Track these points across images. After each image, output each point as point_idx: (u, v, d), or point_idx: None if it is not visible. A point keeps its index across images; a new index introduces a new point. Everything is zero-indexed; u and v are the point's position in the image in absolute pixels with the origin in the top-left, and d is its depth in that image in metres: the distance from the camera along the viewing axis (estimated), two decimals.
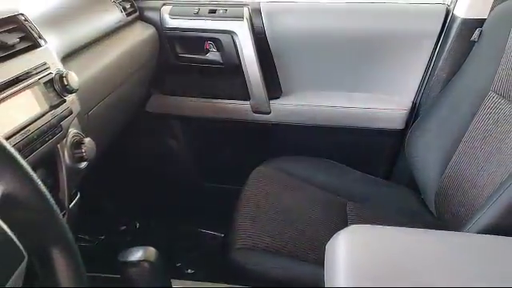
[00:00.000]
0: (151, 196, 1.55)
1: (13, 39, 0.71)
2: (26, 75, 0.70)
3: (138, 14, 1.34)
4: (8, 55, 0.69)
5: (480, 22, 1.13)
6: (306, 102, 1.42)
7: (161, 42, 1.40)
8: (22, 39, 0.74)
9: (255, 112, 1.45)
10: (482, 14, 1.14)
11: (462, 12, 1.19)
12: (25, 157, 0.66)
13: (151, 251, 0.68)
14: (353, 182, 1.27)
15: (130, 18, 1.27)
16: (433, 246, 0.70)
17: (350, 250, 0.67)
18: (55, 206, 0.43)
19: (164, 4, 1.39)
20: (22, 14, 0.77)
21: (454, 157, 1.04)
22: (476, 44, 1.12)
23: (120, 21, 1.20)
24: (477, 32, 1.13)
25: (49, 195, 0.42)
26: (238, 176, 1.26)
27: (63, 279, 0.43)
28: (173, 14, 1.37)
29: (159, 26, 1.38)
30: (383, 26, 1.32)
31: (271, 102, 1.43)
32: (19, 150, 0.63)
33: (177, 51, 1.43)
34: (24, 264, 0.38)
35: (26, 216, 0.40)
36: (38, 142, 0.68)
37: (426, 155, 1.15)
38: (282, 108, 1.43)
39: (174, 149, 1.57)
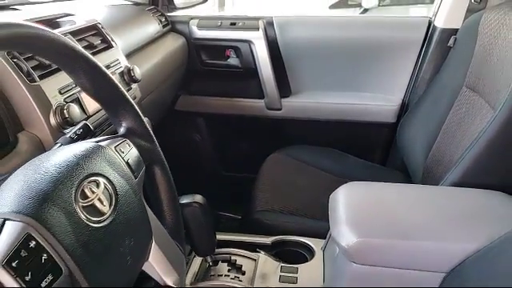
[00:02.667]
0: (177, 183, 1.74)
1: (96, 41, 0.95)
2: (107, 68, 0.92)
3: (170, 26, 1.56)
4: (93, 53, 0.93)
5: (455, 31, 1.31)
6: (312, 100, 1.59)
7: (189, 50, 1.60)
8: (101, 41, 0.97)
9: (268, 109, 1.62)
10: (456, 24, 1.32)
11: (440, 23, 1.37)
12: (108, 126, 0.88)
13: (199, 197, 0.89)
14: (353, 167, 1.43)
15: (164, 29, 1.49)
16: (410, 193, 0.92)
17: (348, 196, 0.88)
18: (156, 140, 0.65)
19: (192, 18, 1.59)
20: (99, 23, 1.00)
21: (435, 143, 1.19)
22: (452, 49, 1.30)
23: (158, 31, 1.43)
24: (452, 39, 1.31)
25: (152, 132, 0.65)
26: (253, 165, 1.43)
27: (162, 190, 0.66)
28: (199, 26, 1.57)
29: (188, 37, 1.58)
30: (377, 36, 1.50)
31: (282, 100, 1.60)
32: (106, 121, 0.86)
33: (202, 58, 1.63)
34: (143, 170, 0.61)
35: (140, 142, 0.63)
36: None
37: (413, 143, 1.30)
38: (292, 105, 1.60)
39: (198, 142, 1.76)
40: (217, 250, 0.96)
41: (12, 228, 0.39)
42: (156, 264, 0.58)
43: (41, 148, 0.70)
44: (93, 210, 0.47)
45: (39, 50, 0.52)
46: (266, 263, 0.96)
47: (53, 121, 0.71)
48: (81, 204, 0.46)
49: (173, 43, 1.51)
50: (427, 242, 0.76)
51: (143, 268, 0.57)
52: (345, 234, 0.78)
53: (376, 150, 1.64)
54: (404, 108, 1.53)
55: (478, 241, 0.72)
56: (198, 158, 1.79)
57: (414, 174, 1.29)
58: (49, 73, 0.75)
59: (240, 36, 1.55)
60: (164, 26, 1.50)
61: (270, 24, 1.55)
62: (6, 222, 0.40)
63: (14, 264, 0.37)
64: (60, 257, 0.41)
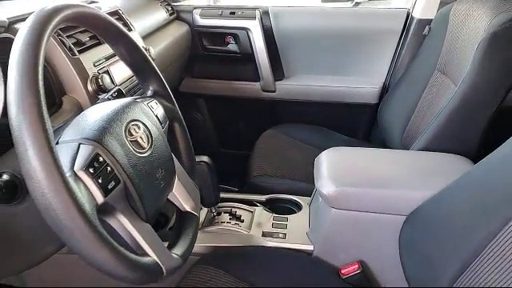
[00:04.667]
0: None
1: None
2: None
3: (175, 15, 1.71)
4: None
5: (429, 21, 1.44)
6: (303, 83, 1.73)
7: (192, 37, 1.74)
8: (122, 25, 1.13)
9: (264, 91, 1.77)
10: (431, 15, 1.46)
11: (417, 14, 1.52)
12: (134, 93, 1.04)
13: (206, 157, 1.05)
14: (339, 143, 1.55)
15: (171, 17, 1.64)
16: (382, 154, 1.09)
17: (330, 157, 1.05)
18: (176, 103, 0.82)
19: (195, 7, 1.74)
20: (120, 9, 1.16)
21: (410, 120, 1.32)
22: (426, 37, 1.43)
23: (165, 19, 1.58)
24: (427, 28, 1.45)
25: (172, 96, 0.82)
26: (249, 143, 1.57)
27: (181, 142, 0.82)
28: (202, 15, 1.72)
29: (191, 25, 1.73)
30: (362, 25, 1.65)
31: (276, 82, 1.74)
32: (130, 89, 1.02)
33: (204, 44, 1.77)
34: (167, 125, 0.78)
35: (164, 102, 0.79)
36: (138, 87, 1.06)
37: (392, 121, 1.43)
38: (285, 87, 1.75)
39: (199, 120, 1.91)
40: (219, 204, 1.12)
41: (86, 148, 0.56)
42: (178, 194, 0.75)
43: (80, 109, 0.86)
44: (136, 144, 0.64)
45: (94, 27, 0.68)
46: (262, 214, 1.13)
47: (90, 87, 0.87)
48: (129, 139, 0.63)
49: (178, 30, 1.66)
50: (392, 190, 0.93)
51: (168, 197, 0.74)
52: (326, 184, 0.95)
53: (360, 128, 1.79)
54: (385, 90, 1.68)
55: (432, 189, 0.88)
56: (199, 135, 1.93)
57: (393, 148, 1.41)
58: (85, 48, 0.91)
59: (238, 24, 1.69)
60: (170, 15, 1.65)
61: (265, 13, 1.69)
62: (81, 145, 0.56)
63: (91, 170, 0.54)
64: (118, 172, 0.58)
